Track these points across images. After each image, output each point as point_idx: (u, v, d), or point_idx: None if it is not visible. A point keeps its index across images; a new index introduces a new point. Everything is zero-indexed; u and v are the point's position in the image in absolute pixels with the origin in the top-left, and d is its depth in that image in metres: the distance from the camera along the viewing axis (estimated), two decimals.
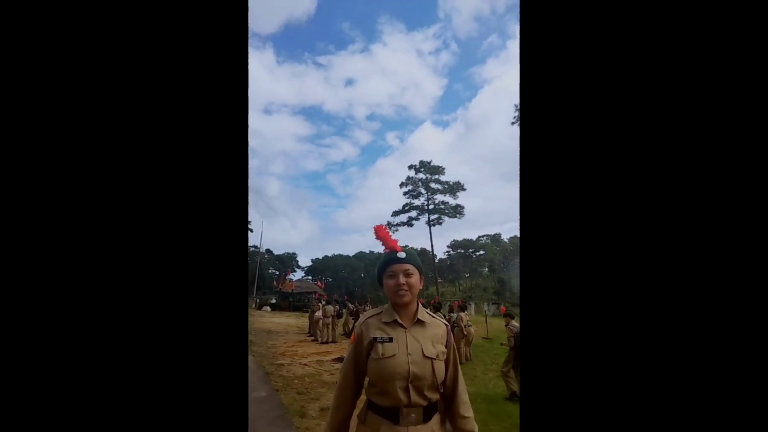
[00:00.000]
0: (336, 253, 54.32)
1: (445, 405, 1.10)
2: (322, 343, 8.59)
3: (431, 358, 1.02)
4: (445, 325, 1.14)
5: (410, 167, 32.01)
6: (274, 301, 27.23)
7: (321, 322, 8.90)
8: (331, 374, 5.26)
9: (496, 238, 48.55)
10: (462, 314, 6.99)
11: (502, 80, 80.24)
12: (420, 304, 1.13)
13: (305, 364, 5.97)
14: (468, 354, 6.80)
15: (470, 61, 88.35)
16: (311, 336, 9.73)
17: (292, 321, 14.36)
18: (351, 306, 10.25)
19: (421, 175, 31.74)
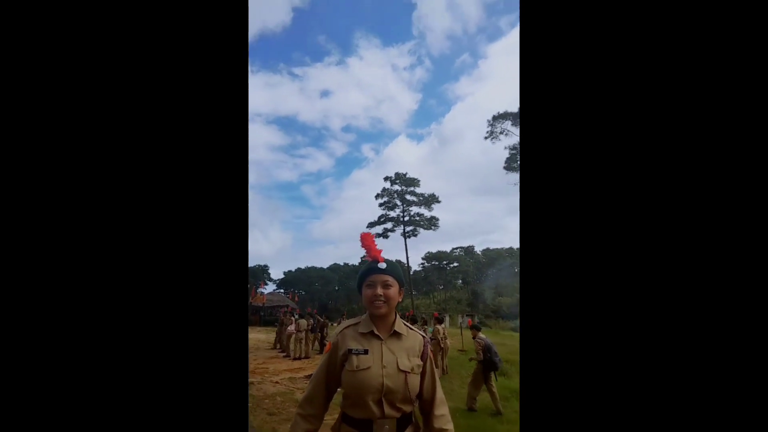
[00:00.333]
0: (309, 265, 53.25)
1: (424, 419, 1.09)
2: (295, 359, 8.31)
3: (406, 372, 1.02)
4: (423, 336, 1.14)
5: (386, 179, 32.25)
6: None
7: (294, 336, 8.63)
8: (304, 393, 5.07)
9: (469, 251, 49.46)
10: (439, 327, 6.95)
11: (475, 97, 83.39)
12: (398, 316, 1.12)
13: (276, 382, 5.75)
14: (445, 367, 6.77)
15: (443, 77, 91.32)
16: (282, 352, 9.41)
17: (263, 336, 13.83)
18: (320, 318, 9.99)
19: (396, 187, 31.99)
